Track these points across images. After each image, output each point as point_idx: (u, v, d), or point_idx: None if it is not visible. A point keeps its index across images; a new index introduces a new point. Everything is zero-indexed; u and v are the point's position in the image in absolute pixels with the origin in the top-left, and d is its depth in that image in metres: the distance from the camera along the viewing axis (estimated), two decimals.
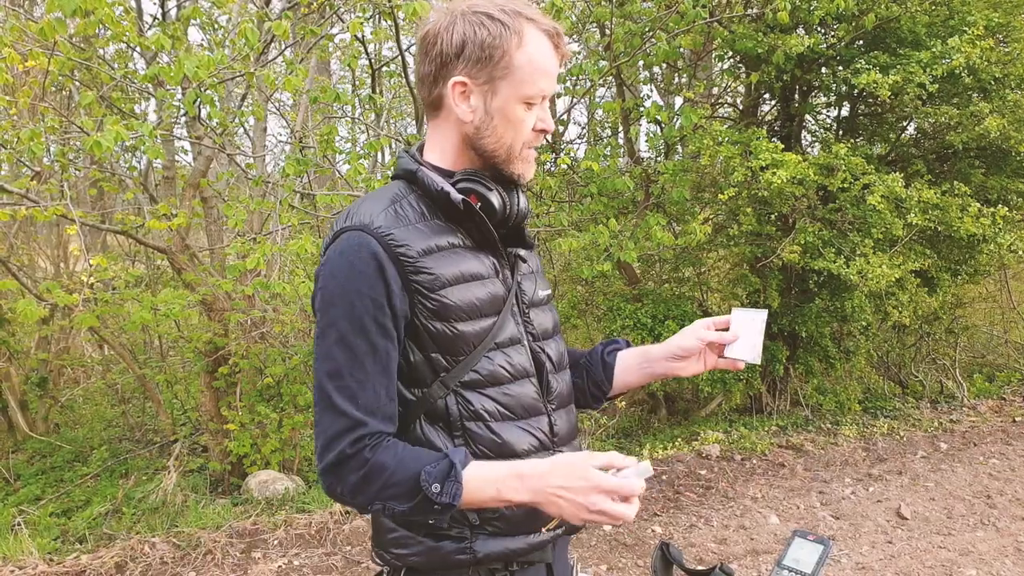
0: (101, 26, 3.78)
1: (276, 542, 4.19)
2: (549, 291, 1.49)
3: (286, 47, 5.12)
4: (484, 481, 1.19)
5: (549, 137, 6.42)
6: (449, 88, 1.28)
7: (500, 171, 1.32)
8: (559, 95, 7.80)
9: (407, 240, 1.23)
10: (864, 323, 6.60)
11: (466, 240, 1.31)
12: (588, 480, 1.13)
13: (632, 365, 1.55)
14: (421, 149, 1.38)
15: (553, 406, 1.38)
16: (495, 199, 1.30)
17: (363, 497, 1.19)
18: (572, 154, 6.34)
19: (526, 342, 1.36)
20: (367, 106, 6.51)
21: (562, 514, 1.18)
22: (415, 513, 1.18)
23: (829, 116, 7.08)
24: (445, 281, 1.24)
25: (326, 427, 1.20)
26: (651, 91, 7.81)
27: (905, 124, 6.63)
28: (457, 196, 1.28)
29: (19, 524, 4.31)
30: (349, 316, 1.20)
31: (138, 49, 4.89)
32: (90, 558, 3.93)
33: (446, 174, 1.33)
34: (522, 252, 1.40)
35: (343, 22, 5.32)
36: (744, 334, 1.44)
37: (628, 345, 1.58)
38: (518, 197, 1.36)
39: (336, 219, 1.29)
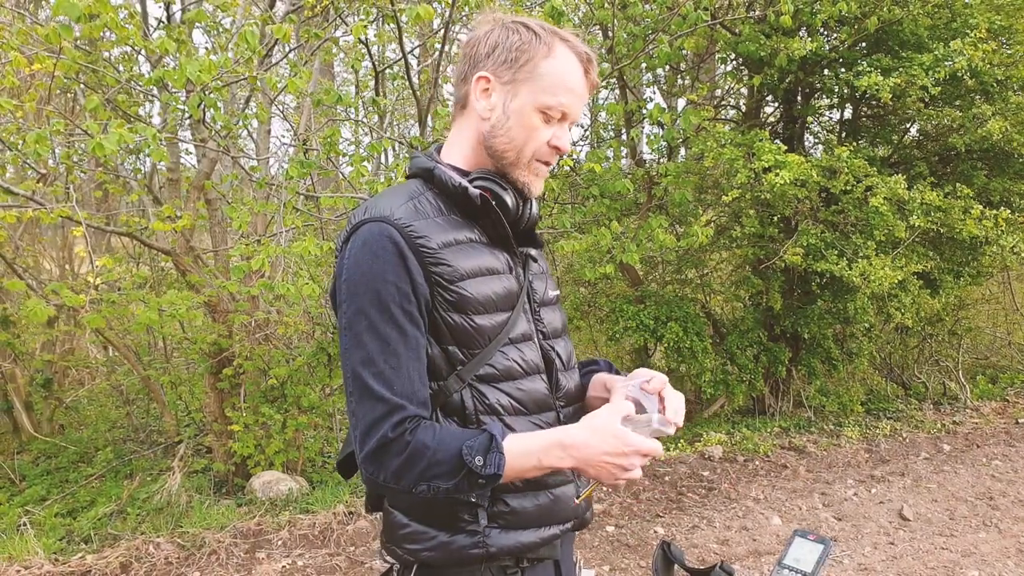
0: (106, 29, 3.80)
1: (280, 542, 4.21)
2: (558, 292, 1.53)
3: (290, 50, 5.14)
4: (525, 452, 1.22)
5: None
6: (473, 83, 1.33)
7: (507, 175, 1.36)
8: None
9: (427, 232, 1.25)
10: (867, 325, 6.61)
11: (482, 236, 1.34)
12: (629, 445, 1.19)
13: (599, 389, 1.52)
14: (439, 150, 1.43)
15: (562, 403, 1.41)
16: (509, 198, 1.34)
17: (407, 480, 1.20)
18: (575, 156, 6.35)
19: (537, 339, 1.39)
20: (370, 108, 6.53)
21: (599, 477, 1.23)
22: (459, 489, 1.20)
23: (832, 118, 7.10)
24: (463, 274, 1.27)
25: (364, 414, 1.21)
26: (654, 93, 7.83)
27: (908, 126, 6.64)
28: (475, 191, 1.31)
29: (25, 524, 4.33)
30: (377, 303, 1.21)
31: (143, 52, 4.92)
32: (95, 558, 3.95)
33: (462, 173, 1.37)
34: (533, 252, 1.44)
35: (347, 25, 5.34)
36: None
37: (610, 367, 1.58)
38: (531, 201, 1.41)
39: (353, 214, 1.32)
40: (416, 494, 1.21)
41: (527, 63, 1.30)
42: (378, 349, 1.21)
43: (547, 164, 1.37)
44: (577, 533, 1.55)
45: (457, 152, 1.39)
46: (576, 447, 1.21)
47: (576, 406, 1.48)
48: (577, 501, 1.37)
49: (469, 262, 1.28)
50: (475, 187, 1.32)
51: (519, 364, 1.33)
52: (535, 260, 1.45)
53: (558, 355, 1.42)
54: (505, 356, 1.31)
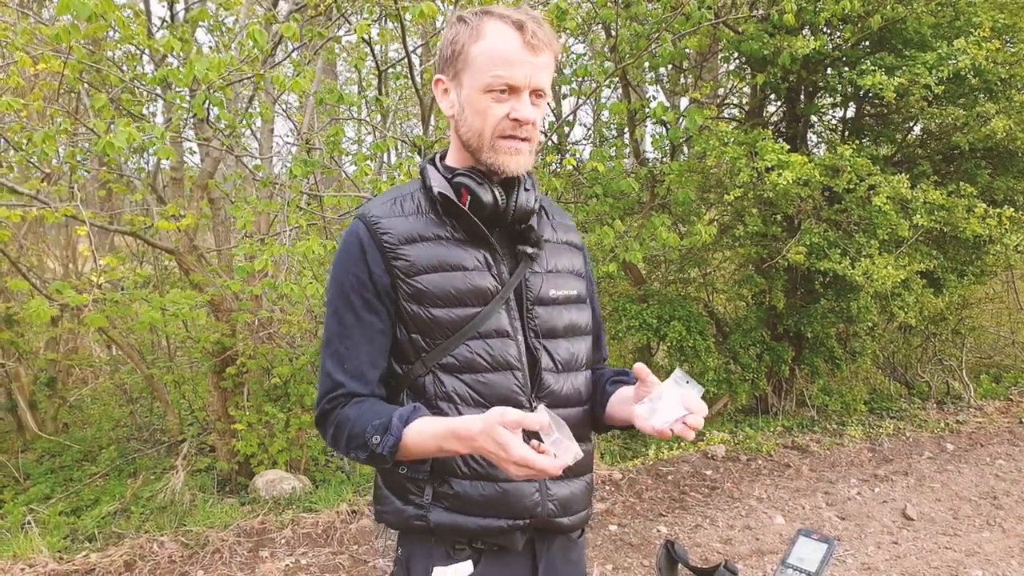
0: (111, 29, 3.81)
1: (283, 541, 4.21)
2: (569, 292, 1.48)
3: (293, 49, 5.15)
4: (426, 436, 1.27)
5: (553, 137, 6.44)
6: (434, 86, 1.41)
7: (479, 162, 1.38)
8: (564, 96, 7.82)
9: (392, 228, 1.36)
10: (870, 324, 6.60)
11: (456, 233, 1.38)
12: (506, 452, 1.12)
13: (620, 402, 1.46)
14: (444, 153, 1.48)
15: (544, 403, 1.34)
16: (485, 195, 1.35)
17: (340, 446, 1.34)
18: (577, 155, 6.36)
19: (521, 337, 1.39)
20: (373, 108, 6.54)
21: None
22: (373, 462, 1.31)
23: (835, 117, 7.09)
24: (421, 268, 1.34)
25: (319, 387, 1.40)
26: (657, 92, 7.83)
27: (911, 125, 6.62)
28: (436, 188, 1.38)
29: (29, 523, 4.34)
30: (340, 292, 1.37)
31: (147, 51, 4.93)
32: (99, 556, 3.96)
33: (452, 172, 1.40)
34: (530, 251, 1.42)
35: (350, 24, 5.34)
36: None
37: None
38: (518, 195, 1.38)
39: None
40: (352, 459, 1.37)
41: (460, 52, 1.35)
42: (337, 331, 1.38)
43: (515, 139, 1.34)
44: (582, 536, 1.51)
45: (451, 152, 1.45)
46: (467, 439, 1.20)
47: (577, 409, 1.45)
48: None
49: (432, 258, 1.35)
50: (453, 184, 1.37)
51: (483, 358, 1.35)
52: (532, 258, 1.42)
53: (549, 354, 1.41)
54: (469, 349, 1.35)
